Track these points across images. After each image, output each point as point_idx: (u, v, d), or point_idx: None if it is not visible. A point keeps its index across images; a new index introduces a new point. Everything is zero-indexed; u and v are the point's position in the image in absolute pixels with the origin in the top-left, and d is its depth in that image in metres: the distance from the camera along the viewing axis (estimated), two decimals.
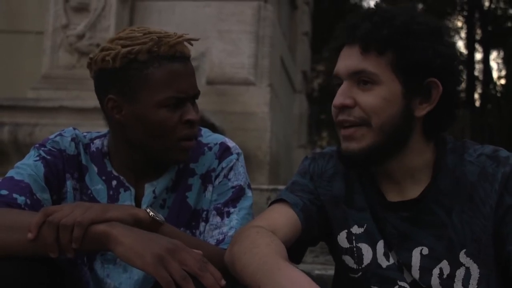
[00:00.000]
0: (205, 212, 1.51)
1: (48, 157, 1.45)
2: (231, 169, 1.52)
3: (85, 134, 1.53)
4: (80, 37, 4.90)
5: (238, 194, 1.52)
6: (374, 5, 1.45)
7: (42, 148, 1.47)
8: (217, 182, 1.51)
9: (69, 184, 1.46)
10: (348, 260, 1.46)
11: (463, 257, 1.34)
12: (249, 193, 1.55)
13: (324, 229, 1.48)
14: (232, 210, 1.50)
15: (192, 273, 1.19)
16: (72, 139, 1.49)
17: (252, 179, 5.17)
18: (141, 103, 1.39)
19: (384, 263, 1.41)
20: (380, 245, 1.41)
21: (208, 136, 1.58)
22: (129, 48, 1.37)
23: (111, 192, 1.47)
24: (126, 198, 1.47)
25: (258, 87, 5.22)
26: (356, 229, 1.44)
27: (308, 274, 2.16)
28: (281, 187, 3.07)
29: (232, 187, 1.52)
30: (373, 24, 1.34)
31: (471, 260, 1.34)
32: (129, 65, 1.38)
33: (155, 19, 5.35)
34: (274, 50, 5.50)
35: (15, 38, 6.67)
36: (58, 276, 1.32)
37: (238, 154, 1.55)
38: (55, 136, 1.50)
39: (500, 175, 1.32)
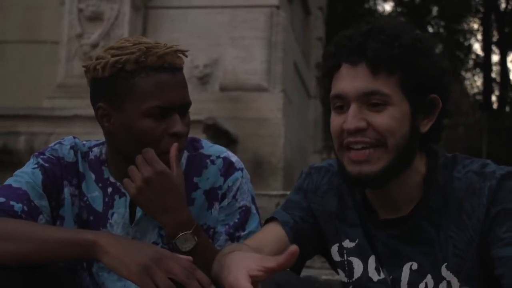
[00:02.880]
0: (212, 230, 1.52)
1: (46, 165, 1.47)
2: (238, 189, 1.53)
3: (84, 142, 1.55)
4: (94, 46, 4.95)
5: (245, 215, 1.54)
6: (367, 22, 1.40)
7: (41, 156, 1.49)
8: (226, 202, 1.52)
9: (67, 190, 1.47)
10: (340, 273, 1.46)
11: (444, 271, 1.35)
12: (253, 210, 1.57)
13: (317, 244, 1.49)
14: (242, 234, 1.53)
15: (179, 281, 1.20)
16: (71, 147, 1.51)
17: (266, 185, 5.19)
18: (127, 112, 1.40)
19: (375, 277, 1.41)
20: (372, 259, 1.42)
21: (209, 147, 1.57)
22: (117, 58, 1.39)
23: (106, 199, 1.49)
24: (121, 205, 1.48)
25: (271, 93, 5.23)
26: (347, 243, 1.44)
27: (316, 279, 2.17)
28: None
29: (240, 208, 1.53)
30: (381, 43, 1.30)
31: (451, 274, 1.34)
32: (117, 74, 1.39)
33: (168, 27, 5.39)
34: (287, 56, 5.51)
35: (31, 48, 6.75)
36: (56, 283, 1.34)
37: (241, 169, 1.55)
38: (55, 145, 1.52)
39: (487, 189, 1.32)
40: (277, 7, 5.38)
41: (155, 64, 1.39)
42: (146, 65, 1.39)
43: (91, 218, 1.49)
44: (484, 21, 18.11)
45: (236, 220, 1.53)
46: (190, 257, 1.26)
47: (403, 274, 1.37)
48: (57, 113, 4.53)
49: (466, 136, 10.42)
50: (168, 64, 1.41)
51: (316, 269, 1.62)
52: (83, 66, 1.47)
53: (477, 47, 19.61)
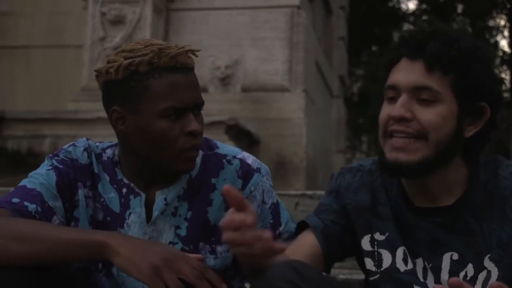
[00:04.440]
0: None
1: (61, 166, 1.48)
2: (263, 191, 1.55)
3: (97, 144, 1.56)
4: (117, 49, 4.99)
5: (276, 211, 1.57)
6: (430, 22, 1.50)
7: (55, 158, 1.50)
8: (259, 210, 1.53)
9: (81, 192, 1.48)
10: (368, 262, 1.50)
11: (487, 262, 1.40)
12: (279, 200, 1.60)
13: (348, 246, 1.53)
14: (281, 229, 1.56)
15: (189, 281, 1.20)
16: (85, 149, 1.52)
17: (289, 184, 5.19)
18: (142, 114, 1.41)
19: (402, 267, 1.46)
20: (400, 251, 1.46)
21: (224, 147, 1.58)
22: (130, 60, 1.39)
23: (122, 200, 1.50)
24: (137, 204, 1.49)
25: (292, 93, 5.23)
26: (378, 236, 1.49)
27: (334, 278, 2.17)
28: (309, 192, 3.07)
29: (269, 208, 1.56)
30: (441, 43, 1.37)
31: (493, 264, 1.40)
32: (131, 77, 1.40)
33: (190, 29, 5.42)
34: (308, 56, 5.50)
35: (56, 52, 6.85)
36: (69, 284, 1.36)
37: (259, 169, 1.55)
38: (68, 146, 1.53)
39: None
40: (298, 7, 5.38)
41: (167, 65, 1.40)
42: (159, 66, 1.40)
43: (109, 218, 1.50)
44: (511, 17, 17.86)
45: (271, 221, 1.55)
46: (200, 256, 1.27)
47: (443, 263, 1.42)
48: (81, 116, 4.59)
49: (493, 134, 10.28)
50: (180, 65, 1.42)
51: (336, 269, 1.63)
52: (95, 71, 1.48)
53: (504, 44, 19.32)
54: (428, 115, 1.36)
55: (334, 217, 1.52)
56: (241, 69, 5.28)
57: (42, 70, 6.92)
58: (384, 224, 1.48)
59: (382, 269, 1.48)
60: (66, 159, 1.50)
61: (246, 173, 1.53)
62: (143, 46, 1.42)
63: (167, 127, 1.40)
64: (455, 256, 1.42)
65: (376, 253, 1.49)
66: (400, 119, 1.37)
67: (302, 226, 1.54)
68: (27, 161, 4.37)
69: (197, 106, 1.46)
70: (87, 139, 1.55)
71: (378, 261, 1.49)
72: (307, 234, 1.51)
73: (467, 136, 1.41)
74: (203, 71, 5.23)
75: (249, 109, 5.11)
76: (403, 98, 1.37)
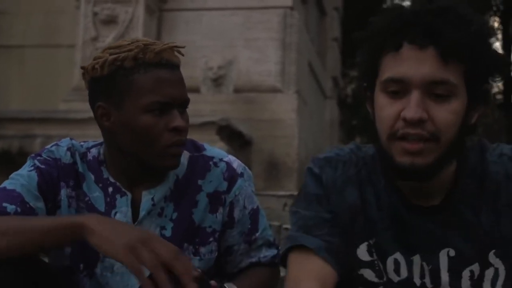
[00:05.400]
0: (217, 233, 1.53)
1: (43, 166, 1.47)
2: (245, 196, 1.56)
3: (82, 143, 1.55)
4: None
5: (255, 217, 1.58)
6: None
7: (38, 158, 1.50)
8: (237, 213, 1.54)
9: (64, 192, 1.48)
10: (368, 274, 1.36)
11: (492, 258, 1.31)
12: (258, 205, 1.61)
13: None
14: (257, 235, 1.57)
15: (164, 262, 1.19)
16: (68, 149, 1.51)
17: (281, 185, 5.19)
18: (126, 109, 1.41)
19: (395, 278, 1.35)
20: (391, 261, 1.35)
21: (211, 149, 1.58)
22: (115, 56, 1.40)
23: (108, 199, 1.49)
24: (123, 204, 1.49)
25: (285, 94, 5.23)
26: (373, 241, 1.36)
27: None
28: (297, 193, 3.05)
29: (249, 213, 1.57)
30: (455, 27, 1.17)
31: (500, 261, 1.31)
32: (116, 72, 1.41)
33: (183, 29, 5.41)
34: (301, 57, 5.50)
35: (50, 52, 6.83)
36: (50, 284, 1.36)
37: (242, 175, 1.56)
38: (51, 146, 1.52)
39: None
40: (291, 8, 5.38)
41: (153, 61, 1.41)
42: (145, 62, 1.40)
43: None
44: (504, 20, 17.92)
45: (249, 226, 1.57)
46: (177, 248, 1.26)
47: (440, 262, 1.32)
48: (72, 116, 4.58)
49: (485, 136, 10.33)
50: (165, 61, 1.42)
51: None
52: (81, 68, 1.48)
53: (497, 46, 19.37)
54: (443, 114, 1.20)
55: (328, 229, 1.34)
56: (234, 70, 5.28)
57: (36, 70, 6.91)
58: (376, 227, 1.35)
59: (384, 279, 1.35)
60: (49, 158, 1.49)
61: (231, 177, 1.54)
62: (128, 43, 1.43)
63: (151, 122, 1.40)
64: (452, 253, 1.31)
65: (376, 262, 1.35)
66: (418, 122, 1.19)
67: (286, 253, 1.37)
68: (18, 160, 4.35)
69: (183, 103, 1.45)
70: (71, 139, 1.55)
71: (379, 271, 1.35)
72: (309, 258, 1.31)
73: (471, 123, 1.26)
74: (196, 71, 5.23)
75: (241, 110, 5.10)
76: (416, 96, 1.18)
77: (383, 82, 1.22)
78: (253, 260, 1.57)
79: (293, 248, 1.34)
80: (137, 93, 1.40)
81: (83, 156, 1.53)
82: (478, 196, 1.32)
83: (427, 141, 1.20)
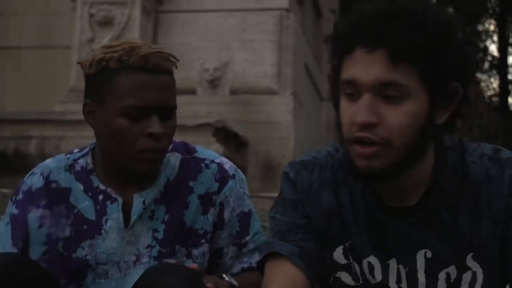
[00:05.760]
0: (208, 234, 1.53)
1: (16, 212, 1.52)
2: (234, 198, 1.54)
3: (68, 155, 1.56)
4: None
5: (245, 220, 1.56)
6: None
7: (16, 200, 1.54)
8: (227, 215, 1.53)
9: (32, 216, 1.51)
10: (345, 277, 1.38)
11: (470, 261, 1.29)
12: (253, 211, 1.59)
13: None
14: (247, 238, 1.55)
15: None
16: (41, 174, 1.54)
17: (277, 187, 5.13)
18: (106, 109, 1.41)
19: (372, 280, 1.36)
20: (365, 264, 1.36)
21: (203, 151, 1.58)
22: (102, 55, 1.41)
23: (98, 207, 1.49)
24: (114, 210, 1.49)
25: (281, 96, 5.24)
26: (349, 244, 1.37)
27: None
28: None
29: (237, 215, 1.55)
30: (405, 28, 1.16)
31: (478, 265, 1.29)
32: (102, 72, 1.41)
33: (179, 30, 5.42)
34: (297, 59, 5.51)
35: (46, 53, 6.83)
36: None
37: (234, 176, 1.55)
38: (27, 178, 1.56)
39: (507, 178, 1.28)
40: (287, 10, 5.39)
41: (137, 64, 1.40)
42: (128, 64, 1.40)
43: (85, 227, 1.50)
44: (500, 23, 17.97)
45: (238, 229, 1.55)
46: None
47: (418, 262, 1.31)
48: (68, 117, 4.58)
49: (481, 138, 10.36)
50: (150, 65, 1.40)
51: None
52: (78, 63, 1.50)
53: (493, 48, 19.45)
54: (396, 117, 1.19)
55: (302, 234, 1.36)
56: (230, 72, 5.29)
57: (32, 71, 6.90)
58: (351, 230, 1.35)
59: (360, 282, 1.36)
60: (23, 194, 1.53)
61: (222, 178, 1.53)
62: (119, 43, 1.43)
63: (126, 126, 1.40)
64: (429, 254, 1.30)
65: (352, 265, 1.36)
66: (365, 126, 1.19)
67: (265, 258, 1.38)
68: (14, 162, 4.35)
69: (165, 109, 1.43)
70: (52, 161, 1.56)
71: (355, 274, 1.37)
72: (283, 264, 1.34)
73: (439, 122, 1.24)
74: (192, 73, 5.23)
75: (237, 112, 5.11)
76: (366, 99, 1.18)
77: (340, 84, 1.23)
78: (245, 265, 1.56)
79: (269, 254, 1.36)
80: (116, 94, 1.40)
81: (71, 168, 1.54)
82: (456, 197, 1.30)
83: (379, 145, 1.20)
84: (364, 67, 1.18)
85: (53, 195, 1.52)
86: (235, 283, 1.40)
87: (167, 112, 1.43)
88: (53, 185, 1.52)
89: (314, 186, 1.37)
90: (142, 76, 1.40)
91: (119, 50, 1.40)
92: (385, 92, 1.18)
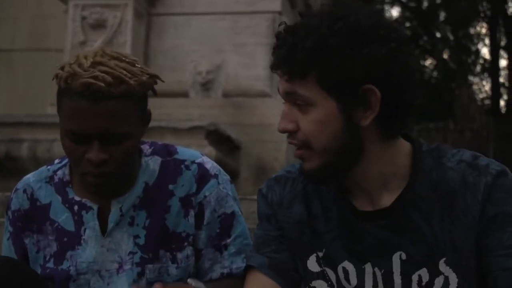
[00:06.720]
0: (191, 237, 1.52)
1: (11, 230, 1.55)
2: (216, 199, 1.52)
3: (49, 167, 1.56)
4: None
5: (227, 222, 1.53)
6: (300, 13, 1.35)
7: (9, 219, 1.56)
8: (207, 215, 1.51)
9: (28, 241, 1.54)
10: (321, 285, 1.40)
11: (442, 266, 1.31)
12: (238, 213, 1.56)
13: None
14: (228, 241, 1.53)
15: None
16: (24, 191, 1.55)
17: None
18: (60, 124, 1.41)
19: (348, 286, 1.38)
20: (340, 270, 1.38)
21: (184, 152, 1.55)
22: (57, 71, 1.39)
23: (76, 218, 1.49)
24: (90, 219, 1.48)
25: (274, 99, 5.23)
26: (321, 253, 1.40)
27: None
28: None
29: (218, 216, 1.53)
30: (287, 48, 1.25)
31: (451, 270, 1.30)
32: (59, 87, 1.40)
33: (171, 33, 5.41)
34: None
35: (38, 56, 6.82)
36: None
37: (216, 176, 1.54)
38: (13, 194, 1.56)
39: (483, 185, 1.28)
40: (280, 13, 5.39)
41: (77, 89, 1.35)
42: (71, 88, 1.36)
43: (65, 239, 1.50)
44: (492, 26, 18.06)
45: (218, 230, 1.52)
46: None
47: (394, 265, 1.33)
48: None
49: (473, 141, 10.38)
50: (90, 92, 1.34)
51: None
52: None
53: (485, 51, 19.53)
54: (306, 124, 1.27)
55: (275, 246, 1.42)
56: (223, 75, 5.28)
57: (24, 74, 6.90)
58: (323, 238, 1.38)
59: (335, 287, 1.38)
60: (15, 213, 1.54)
61: (202, 177, 1.52)
62: (78, 62, 1.38)
63: (70, 147, 1.39)
64: (404, 256, 1.32)
65: (325, 272, 1.39)
66: (284, 132, 1.29)
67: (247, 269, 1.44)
68: (5, 165, 4.33)
69: (105, 136, 1.37)
70: (34, 173, 1.57)
71: (330, 280, 1.39)
72: (256, 276, 1.40)
73: (365, 124, 1.26)
74: (185, 76, 5.23)
75: (230, 115, 5.10)
76: (285, 109, 1.29)
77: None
78: (225, 271, 1.53)
79: (247, 267, 1.44)
80: (61, 116, 1.39)
81: (50, 179, 1.54)
82: (431, 202, 1.31)
83: (303, 148, 1.29)
84: (279, 81, 1.30)
85: (39, 216, 1.53)
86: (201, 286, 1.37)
87: (111, 138, 1.38)
88: (38, 203, 1.53)
89: (286, 198, 1.44)
90: (81, 103, 1.34)
91: (68, 70, 1.36)
92: (295, 100, 1.28)
